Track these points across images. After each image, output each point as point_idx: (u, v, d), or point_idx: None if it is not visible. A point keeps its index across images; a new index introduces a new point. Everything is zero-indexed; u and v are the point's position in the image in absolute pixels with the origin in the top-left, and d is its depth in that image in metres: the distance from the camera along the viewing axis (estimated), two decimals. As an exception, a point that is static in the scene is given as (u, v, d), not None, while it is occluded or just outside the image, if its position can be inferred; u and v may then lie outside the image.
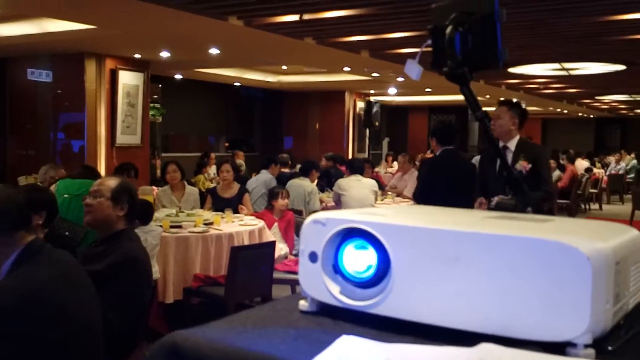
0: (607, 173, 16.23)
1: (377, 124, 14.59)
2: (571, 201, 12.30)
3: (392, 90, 13.69)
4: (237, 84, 12.90)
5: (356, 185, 6.40)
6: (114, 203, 2.74)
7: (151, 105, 11.07)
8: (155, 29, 6.83)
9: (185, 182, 6.64)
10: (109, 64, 8.56)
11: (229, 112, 14.67)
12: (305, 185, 6.52)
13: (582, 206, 14.22)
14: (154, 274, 4.85)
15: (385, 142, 17.78)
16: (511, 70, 9.47)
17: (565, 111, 20.72)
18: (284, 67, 11.22)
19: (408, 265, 0.83)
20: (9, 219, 2.09)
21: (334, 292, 0.89)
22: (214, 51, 8.02)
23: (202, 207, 6.39)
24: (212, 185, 8.15)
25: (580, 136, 23.69)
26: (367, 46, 7.80)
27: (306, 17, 5.76)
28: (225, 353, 0.75)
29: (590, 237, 0.79)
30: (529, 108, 19.44)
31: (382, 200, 7.72)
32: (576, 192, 12.77)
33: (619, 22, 5.86)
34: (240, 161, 10.11)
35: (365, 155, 14.42)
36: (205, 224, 5.31)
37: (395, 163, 13.21)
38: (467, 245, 0.79)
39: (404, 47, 7.66)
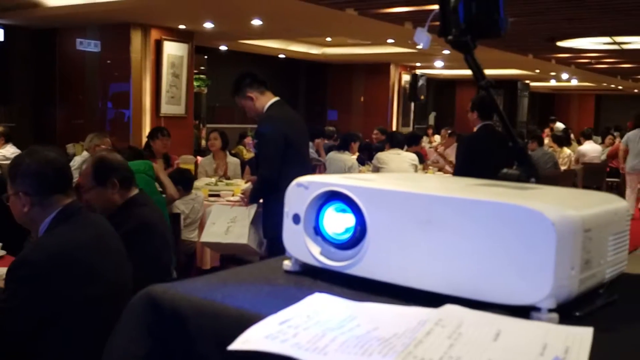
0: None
1: (422, 97, 14.42)
2: (621, 180, 11.98)
3: (439, 63, 13.51)
4: (281, 55, 12.92)
5: (396, 159, 6.39)
6: (102, 186, 2.75)
7: (196, 76, 11.21)
8: (198, -1, 6.90)
9: (227, 152, 6.75)
10: (154, 34, 8.69)
11: (273, 84, 14.73)
12: (345, 159, 6.54)
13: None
14: (194, 238, 4.99)
15: (431, 116, 17.59)
16: (560, 44, 9.22)
17: (620, 87, 20.08)
18: (328, 38, 11.18)
19: (382, 228, 0.85)
20: (46, 182, 2.15)
21: (314, 253, 0.92)
22: (256, 22, 8.05)
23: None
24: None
25: (636, 113, 22.92)
26: (411, 17, 7.70)
27: (347, -13, 5.72)
28: (199, 305, 0.78)
29: (562, 205, 0.80)
30: (581, 83, 18.95)
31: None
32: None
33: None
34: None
35: (410, 129, 14.31)
36: (243, 194, 5.41)
37: (436, 137, 13.08)
38: (437, 208, 0.80)
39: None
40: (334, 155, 6.70)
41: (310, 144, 8.02)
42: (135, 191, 2.88)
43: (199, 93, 11.54)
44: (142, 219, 2.77)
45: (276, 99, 3.86)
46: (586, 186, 10.80)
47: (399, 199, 0.84)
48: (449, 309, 0.75)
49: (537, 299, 0.75)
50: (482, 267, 0.78)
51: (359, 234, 0.88)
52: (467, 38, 1.26)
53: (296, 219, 0.93)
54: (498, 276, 0.77)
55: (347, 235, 0.90)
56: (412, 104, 14.59)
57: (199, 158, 7.61)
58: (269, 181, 3.60)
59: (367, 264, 0.87)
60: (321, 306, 0.78)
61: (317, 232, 0.92)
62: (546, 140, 11.43)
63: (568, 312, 0.78)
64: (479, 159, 4.58)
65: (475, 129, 4.85)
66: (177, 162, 6.58)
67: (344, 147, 6.86)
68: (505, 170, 1.37)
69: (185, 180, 5.16)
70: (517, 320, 0.73)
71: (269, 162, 3.61)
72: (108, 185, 2.77)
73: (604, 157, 11.89)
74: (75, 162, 5.69)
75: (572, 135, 14.64)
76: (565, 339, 0.68)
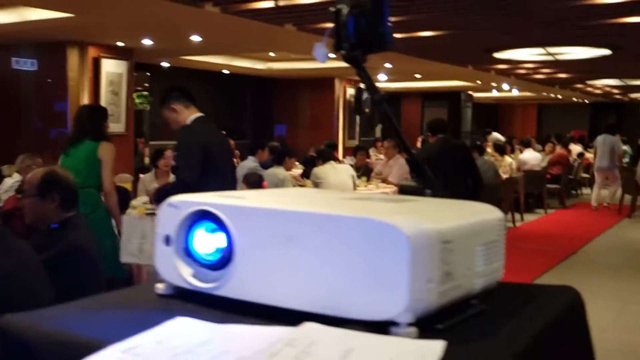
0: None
1: (367, 110, 14.48)
2: (561, 186, 12.31)
3: (382, 76, 13.65)
4: (225, 71, 12.86)
5: (332, 172, 6.42)
6: (42, 198, 2.68)
7: (139, 93, 11.04)
8: (133, 16, 6.81)
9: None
10: (92, 52, 8.53)
11: (218, 99, 14.63)
12: (277, 173, 6.55)
13: (574, 191, 14.26)
14: (131, 257, 4.87)
15: (378, 129, 17.74)
16: (496, 55, 9.44)
17: (560, 96, 20.67)
18: (272, 54, 11.18)
19: (249, 246, 0.84)
20: None
21: (185, 275, 0.89)
22: (195, 38, 7.99)
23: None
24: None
25: (576, 121, 23.64)
26: (349, 32, 7.75)
27: (281, 3, 5.73)
28: (48, 335, 0.75)
29: (421, 218, 0.79)
30: (522, 93, 19.44)
31: (366, 186, 7.72)
32: (567, 177, 12.77)
33: (596, 6, 5.83)
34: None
35: (356, 142, 14.40)
36: (147, 193, 5.41)
37: (383, 150, 13.19)
38: (298, 224, 0.79)
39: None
40: (269, 170, 6.75)
41: (253, 158, 7.99)
42: (72, 213, 2.81)
43: (142, 110, 11.37)
44: (71, 243, 2.69)
45: (200, 114, 3.91)
46: (528, 193, 11.05)
47: (263, 216, 0.83)
48: (306, 327, 0.74)
49: (394, 314, 0.74)
50: (341, 283, 0.77)
51: (228, 253, 0.86)
52: (357, 52, 1.27)
53: (167, 240, 0.91)
54: (357, 292, 0.76)
55: (218, 256, 0.88)
56: (358, 117, 14.69)
57: (141, 176, 7.48)
58: (186, 186, 3.57)
59: (234, 284, 0.85)
60: (178, 331, 0.76)
61: (188, 253, 0.90)
62: (489, 150, 11.66)
63: (430, 325, 0.77)
64: (432, 164, 4.97)
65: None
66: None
67: (277, 162, 6.91)
68: (403, 182, 1.38)
69: (121, 200, 5.05)
70: (372, 336, 0.73)
71: (189, 168, 3.65)
72: (48, 198, 2.70)
73: (544, 164, 12.19)
74: (5, 184, 5.51)
75: (514, 144, 14.97)
76: (416, 354, 0.68)
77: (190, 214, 0.89)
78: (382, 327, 0.75)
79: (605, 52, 9.04)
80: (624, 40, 7.94)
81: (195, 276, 0.89)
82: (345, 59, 1.31)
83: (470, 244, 0.85)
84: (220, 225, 0.87)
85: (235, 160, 10.28)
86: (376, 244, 0.74)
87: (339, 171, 6.46)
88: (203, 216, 0.89)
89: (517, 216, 10.12)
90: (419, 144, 14.39)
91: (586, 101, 23.19)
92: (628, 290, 6.17)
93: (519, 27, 7.01)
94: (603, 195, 11.78)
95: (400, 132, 1.39)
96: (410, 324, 0.74)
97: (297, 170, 8.81)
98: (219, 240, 0.88)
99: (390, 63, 10.99)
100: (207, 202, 0.88)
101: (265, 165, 7.61)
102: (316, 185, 6.43)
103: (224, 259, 0.87)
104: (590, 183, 15.02)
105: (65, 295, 2.41)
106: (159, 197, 3.90)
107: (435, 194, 1.26)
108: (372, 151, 13.45)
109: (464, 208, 0.95)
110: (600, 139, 11.62)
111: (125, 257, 3.94)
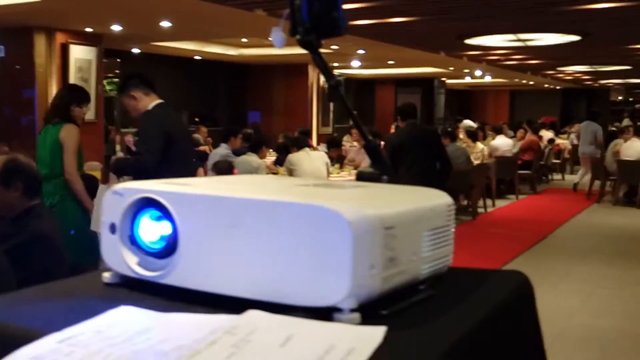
0: (570, 143, 16.38)
1: (341, 97, 14.49)
2: (532, 171, 12.45)
3: (356, 63, 13.64)
4: (197, 57, 12.74)
5: (306, 159, 6.42)
6: (5, 187, 2.65)
7: (109, 80, 10.88)
8: (101, 1, 6.70)
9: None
10: (60, 38, 8.38)
11: (191, 86, 14.49)
12: (251, 160, 6.52)
13: (546, 177, 14.43)
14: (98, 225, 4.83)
15: (352, 116, 17.73)
16: (468, 41, 9.47)
17: (532, 82, 20.86)
18: (244, 39, 11.09)
19: (193, 234, 0.83)
20: None
21: (130, 263, 0.88)
22: (165, 24, 7.89)
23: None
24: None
25: (548, 107, 23.88)
26: (321, 18, 7.70)
27: (251, -12, 5.68)
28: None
29: (363, 203, 0.79)
30: (495, 80, 19.55)
31: (338, 173, 7.73)
32: (538, 163, 12.92)
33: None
34: (198, 136, 10.07)
35: (330, 129, 14.41)
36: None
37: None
38: (241, 211, 0.79)
39: (359, 19, 7.61)
40: (242, 158, 6.72)
41: (226, 145, 7.94)
42: (36, 201, 2.77)
43: (112, 97, 11.22)
44: (36, 231, 2.66)
45: (160, 101, 3.93)
46: (499, 179, 11.16)
47: (206, 203, 0.82)
48: (249, 315, 0.73)
49: (336, 300, 0.74)
50: (285, 270, 0.76)
51: (173, 241, 0.85)
52: (311, 37, 1.25)
53: (112, 228, 0.90)
54: (301, 278, 0.76)
55: (163, 244, 0.87)
56: (332, 104, 14.68)
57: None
58: (146, 169, 3.58)
59: (179, 272, 0.84)
60: (120, 320, 0.75)
61: (133, 241, 0.89)
62: (461, 136, 11.74)
63: (374, 311, 0.77)
64: (404, 149, 5.33)
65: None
66: (82, 169, 6.37)
67: (253, 150, 6.89)
68: (361, 168, 1.38)
69: (89, 188, 5.00)
70: (314, 323, 0.72)
71: (150, 153, 3.67)
72: (11, 186, 2.67)
73: (515, 150, 12.31)
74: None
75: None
76: (354, 340, 0.68)
77: (134, 201, 0.88)
78: (325, 314, 0.74)
79: (575, 38, 9.13)
80: (593, 27, 8.03)
81: (140, 264, 0.88)
82: (300, 44, 1.29)
83: (416, 230, 0.85)
84: (165, 213, 0.86)
85: (208, 147, 10.25)
86: (318, 231, 0.74)
87: (313, 158, 6.46)
88: (148, 204, 0.88)
89: (489, 202, 10.24)
90: (392, 130, 14.46)
91: (558, 87, 23.44)
92: (596, 274, 6.28)
93: (490, 13, 7.04)
94: (585, 181, 11.92)
95: (356, 117, 1.38)
96: (353, 310, 0.74)
97: (270, 157, 8.80)
98: (164, 228, 0.87)
99: (363, 49, 10.99)
100: (151, 190, 0.86)
101: (237, 153, 7.57)
102: (290, 172, 6.43)
103: (169, 247, 0.86)
104: (561, 169, 15.27)
105: (28, 285, 2.39)
106: (117, 167, 3.92)
107: (392, 180, 1.26)
108: (346, 138, 13.45)
109: (412, 194, 0.95)
110: (583, 126, 11.98)
111: (94, 226, 3.95)
